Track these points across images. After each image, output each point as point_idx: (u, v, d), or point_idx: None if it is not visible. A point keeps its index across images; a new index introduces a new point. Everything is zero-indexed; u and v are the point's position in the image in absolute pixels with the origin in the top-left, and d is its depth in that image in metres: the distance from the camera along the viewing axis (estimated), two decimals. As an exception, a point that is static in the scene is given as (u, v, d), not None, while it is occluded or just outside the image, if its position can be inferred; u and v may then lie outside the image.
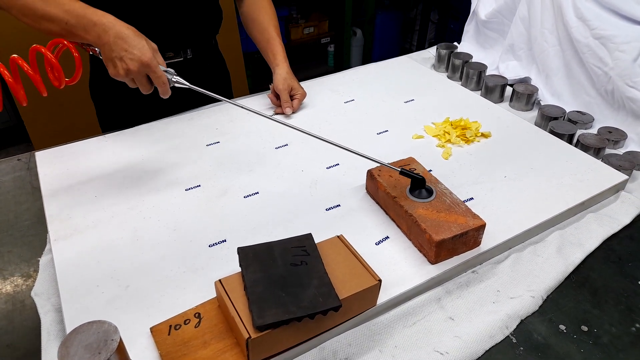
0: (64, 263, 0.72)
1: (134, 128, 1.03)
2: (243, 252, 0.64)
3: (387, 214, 0.80)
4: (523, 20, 1.21)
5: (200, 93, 0.78)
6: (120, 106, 1.13)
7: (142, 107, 1.04)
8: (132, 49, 0.75)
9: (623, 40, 1.00)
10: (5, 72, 0.72)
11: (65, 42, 0.78)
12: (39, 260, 0.76)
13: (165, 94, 0.81)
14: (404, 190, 0.77)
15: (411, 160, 0.84)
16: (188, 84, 0.80)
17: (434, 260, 0.70)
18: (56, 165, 0.92)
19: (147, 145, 0.98)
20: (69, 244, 0.75)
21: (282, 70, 1.09)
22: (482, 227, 0.70)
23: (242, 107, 0.80)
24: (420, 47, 3.19)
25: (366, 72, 1.27)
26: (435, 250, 0.68)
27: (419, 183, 0.75)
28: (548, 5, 1.14)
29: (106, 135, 1.01)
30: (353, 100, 1.14)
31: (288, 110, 1.07)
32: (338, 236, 0.70)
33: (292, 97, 1.09)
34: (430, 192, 0.75)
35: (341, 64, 3.12)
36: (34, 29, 0.79)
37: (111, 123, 1.14)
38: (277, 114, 1.09)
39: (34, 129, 2.05)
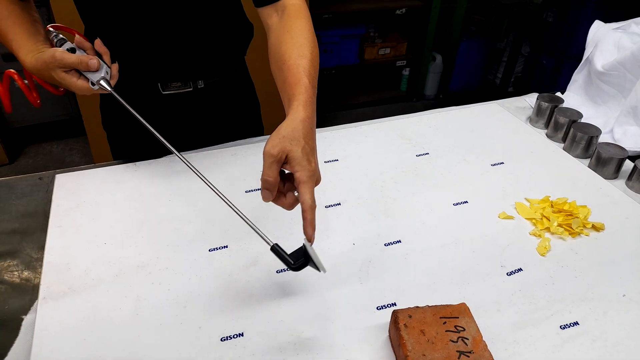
0: (45, 333, 0.58)
1: (166, 157, 0.89)
2: None
3: None
4: (655, 79, 0.96)
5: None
6: (134, 139, 0.95)
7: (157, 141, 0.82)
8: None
9: None
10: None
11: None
12: (23, 319, 0.63)
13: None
14: None
15: (462, 309, 0.58)
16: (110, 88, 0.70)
17: None
18: (72, 195, 0.80)
19: (176, 182, 0.84)
20: (58, 306, 0.62)
21: (289, 121, 0.58)
22: None
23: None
24: (506, 81, 2.92)
25: (446, 118, 1.06)
26: None
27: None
28: (695, 64, 0.89)
29: (136, 163, 0.88)
30: (427, 153, 0.94)
31: (310, 233, 0.58)
32: None
33: (287, 177, 0.60)
34: None
35: (415, 90, 2.91)
36: None
37: (124, 154, 0.97)
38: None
39: (91, 122, 2.01)
